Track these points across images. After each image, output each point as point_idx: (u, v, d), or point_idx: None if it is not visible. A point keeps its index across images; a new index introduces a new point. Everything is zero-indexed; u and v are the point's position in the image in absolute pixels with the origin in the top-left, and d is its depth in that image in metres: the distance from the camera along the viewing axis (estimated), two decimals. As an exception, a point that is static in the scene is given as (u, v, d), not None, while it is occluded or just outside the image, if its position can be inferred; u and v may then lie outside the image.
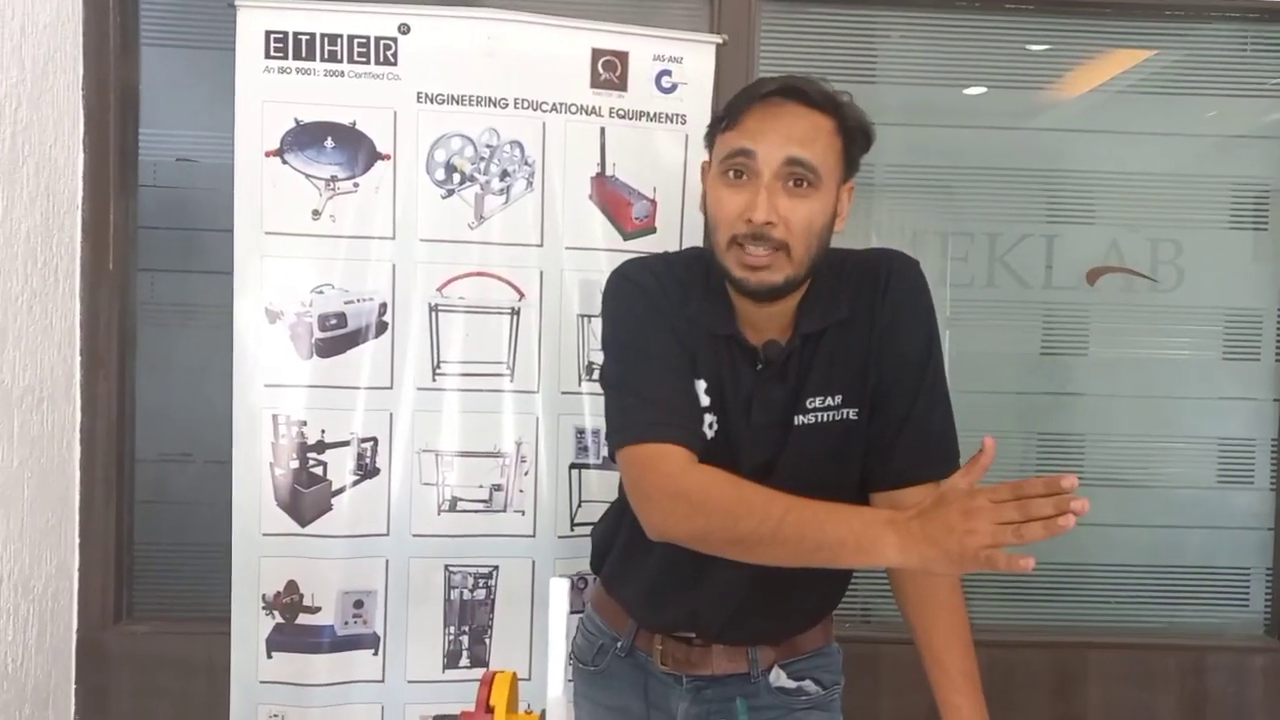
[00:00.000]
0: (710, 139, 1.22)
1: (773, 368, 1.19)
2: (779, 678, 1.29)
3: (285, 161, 1.76)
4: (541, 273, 1.82)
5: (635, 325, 1.21)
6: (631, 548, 1.30)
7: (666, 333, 1.19)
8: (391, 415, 1.80)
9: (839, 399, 1.19)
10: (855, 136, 1.17)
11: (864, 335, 1.20)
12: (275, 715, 1.80)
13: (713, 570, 1.21)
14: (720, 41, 1.89)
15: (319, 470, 1.79)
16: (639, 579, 1.28)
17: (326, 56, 1.76)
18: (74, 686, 1.98)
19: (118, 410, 1.99)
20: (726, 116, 1.17)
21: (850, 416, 1.20)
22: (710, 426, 1.20)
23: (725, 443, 1.19)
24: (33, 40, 1.76)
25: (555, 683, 0.96)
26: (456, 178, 1.79)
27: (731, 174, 1.14)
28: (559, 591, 0.97)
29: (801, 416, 1.19)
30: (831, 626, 1.35)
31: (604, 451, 1.76)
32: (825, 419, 1.19)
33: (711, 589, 1.24)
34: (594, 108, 1.83)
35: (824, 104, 1.15)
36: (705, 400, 1.19)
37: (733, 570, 1.17)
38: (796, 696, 1.30)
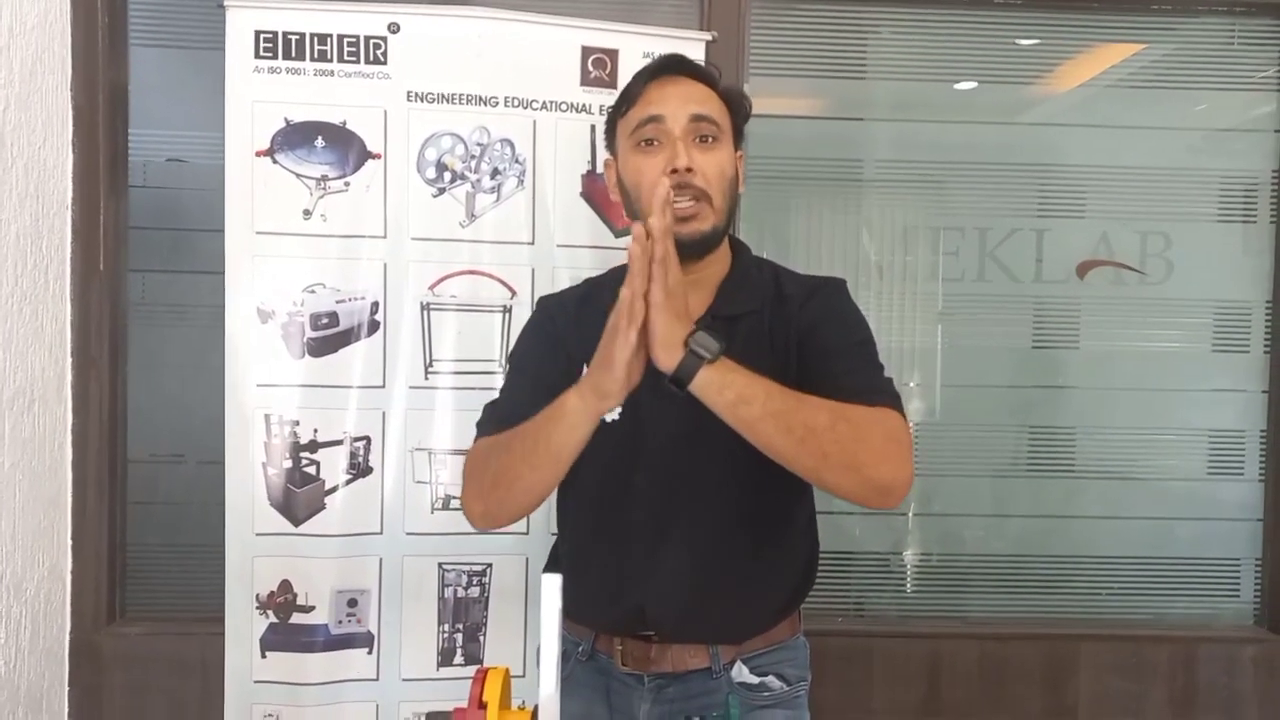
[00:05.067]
0: (611, 133, 1.32)
1: None
2: (741, 673, 1.28)
3: (276, 161, 1.76)
4: (533, 270, 1.82)
5: (519, 349, 1.37)
6: (575, 549, 1.34)
7: (542, 351, 1.32)
8: (384, 414, 1.80)
9: None
10: (736, 106, 1.29)
11: (782, 325, 1.26)
12: (270, 715, 1.80)
13: (654, 563, 1.26)
14: (710, 39, 1.90)
15: (312, 470, 1.79)
16: (585, 578, 1.27)
17: (316, 56, 1.76)
18: (67, 688, 1.97)
19: (109, 411, 1.99)
20: (624, 101, 1.27)
21: None
22: (612, 410, 1.26)
23: (630, 423, 1.25)
24: (21, 41, 1.75)
25: (548, 679, 0.97)
26: (447, 176, 1.79)
27: (644, 143, 1.24)
28: (551, 587, 0.97)
29: None
30: (798, 620, 1.36)
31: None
32: None
33: (655, 583, 1.26)
34: (584, 105, 1.83)
35: (706, 77, 1.28)
36: None
37: (674, 562, 1.25)
38: (759, 693, 1.29)
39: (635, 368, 1.08)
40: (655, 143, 1.23)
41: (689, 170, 1.20)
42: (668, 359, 1.05)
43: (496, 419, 1.28)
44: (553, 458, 1.15)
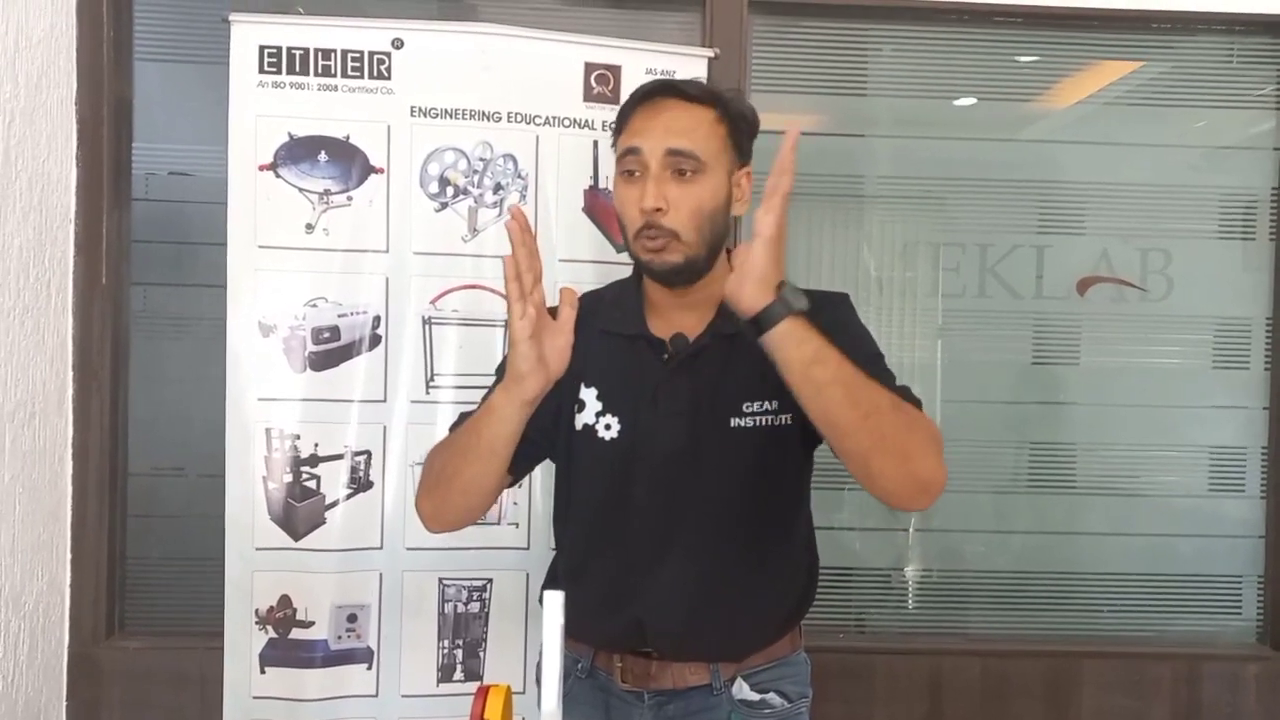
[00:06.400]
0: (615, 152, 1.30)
1: (679, 360, 1.25)
2: (741, 690, 1.27)
3: (279, 175, 1.77)
4: (535, 285, 1.82)
5: (502, 364, 1.33)
6: (574, 564, 1.33)
7: None
8: (385, 428, 1.80)
9: (775, 404, 1.23)
10: (739, 124, 1.25)
11: None
12: (268, 730, 1.80)
13: (653, 579, 1.25)
14: (712, 55, 1.91)
15: (312, 484, 1.78)
16: (584, 594, 1.24)
17: (320, 71, 1.76)
18: (65, 703, 1.96)
19: (110, 424, 1.99)
20: (616, 124, 1.27)
21: (786, 422, 1.24)
22: (608, 428, 1.27)
23: (629, 439, 1.25)
24: (26, 55, 1.76)
25: (550, 696, 0.96)
26: (450, 191, 1.80)
27: (625, 174, 1.23)
28: (553, 604, 0.97)
29: (738, 420, 1.23)
30: (799, 635, 1.35)
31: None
32: (763, 423, 1.24)
33: (654, 598, 1.25)
34: (587, 121, 1.84)
35: (702, 97, 1.24)
36: (598, 405, 1.28)
37: (673, 577, 1.24)
38: (760, 710, 1.28)
39: (548, 346, 1.09)
40: (635, 174, 1.22)
41: (657, 210, 1.19)
42: (758, 298, 1.03)
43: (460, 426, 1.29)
44: (486, 451, 1.16)
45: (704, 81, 1.31)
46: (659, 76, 1.84)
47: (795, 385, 1.05)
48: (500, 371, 1.34)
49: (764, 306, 1.03)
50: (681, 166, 1.20)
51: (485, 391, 1.30)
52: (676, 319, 1.27)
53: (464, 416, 1.29)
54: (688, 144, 1.20)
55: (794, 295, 1.04)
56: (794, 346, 1.04)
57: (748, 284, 1.03)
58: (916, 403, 1.16)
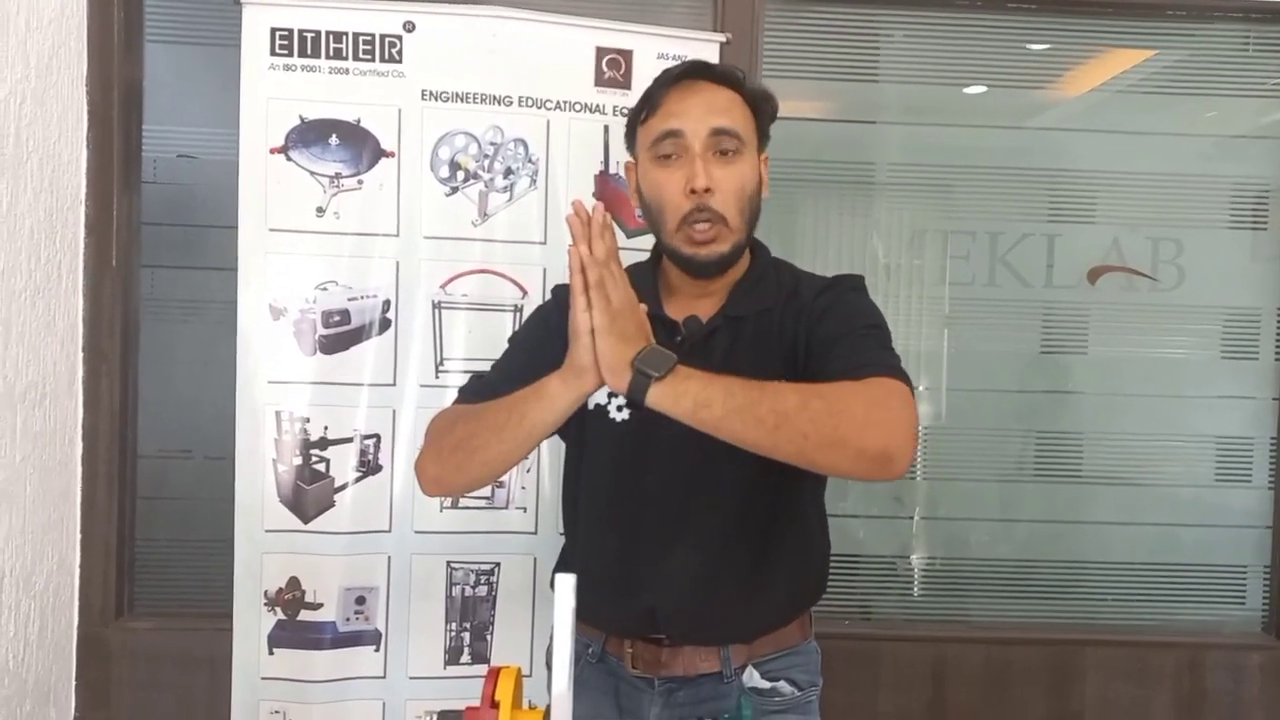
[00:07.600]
0: (631, 136, 1.30)
1: (693, 341, 1.24)
2: (752, 678, 1.28)
3: (290, 158, 1.76)
4: (545, 270, 1.82)
5: (521, 331, 1.39)
6: (585, 549, 1.33)
7: (541, 337, 1.28)
8: (394, 412, 1.80)
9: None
10: (762, 107, 1.26)
11: (793, 320, 1.24)
12: (276, 711, 1.80)
13: (665, 563, 1.25)
14: (724, 40, 1.90)
15: (321, 467, 1.79)
16: (595, 579, 1.21)
17: (331, 54, 1.76)
18: (75, 682, 1.98)
19: (120, 406, 1.99)
20: (645, 107, 1.25)
21: None
22: (620, 409, 1.27)
23: (639, 419, 1.23)
24: (37, 36, 1.76)
25: (560, 678, 0.97)
26: (460, 175, 1.80)
27: (662, 157, 1.22)
28: (564, 587, 0.97)
29: None
30: (809, 624, 1.35)
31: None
32: None
33: (665, 583, 1.25)
34: (598, 106, 1.83)
35: (729, 80, 1.25)
36: None
37: (684, 561, 1.24)
38: (770, 698, 1.28)
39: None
40: (674, 157, 1.21)
41: (707, 191, 1.18)
42: (617, 381, 1.06)
43: (475, 390, 1.28)
44: (525, 434, 1.15)
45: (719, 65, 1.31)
46: (671, 61, 1.83)
47: (696, 427, 1.06)
48: (513, 340, 1.37)
49: (627, 387, 1.05)
50: (724, 146, 1.20)
51: (501, 362, 1.32)
52: (692, 302, 1.28)
53: (477, 378, 1.30)
54: (730, 122, 1.21)
55: (651, 360, 1.05)
56: (673, 405, 1.05)
57: (605, 373, 1.07)
58: (889, 366, 1.12)
